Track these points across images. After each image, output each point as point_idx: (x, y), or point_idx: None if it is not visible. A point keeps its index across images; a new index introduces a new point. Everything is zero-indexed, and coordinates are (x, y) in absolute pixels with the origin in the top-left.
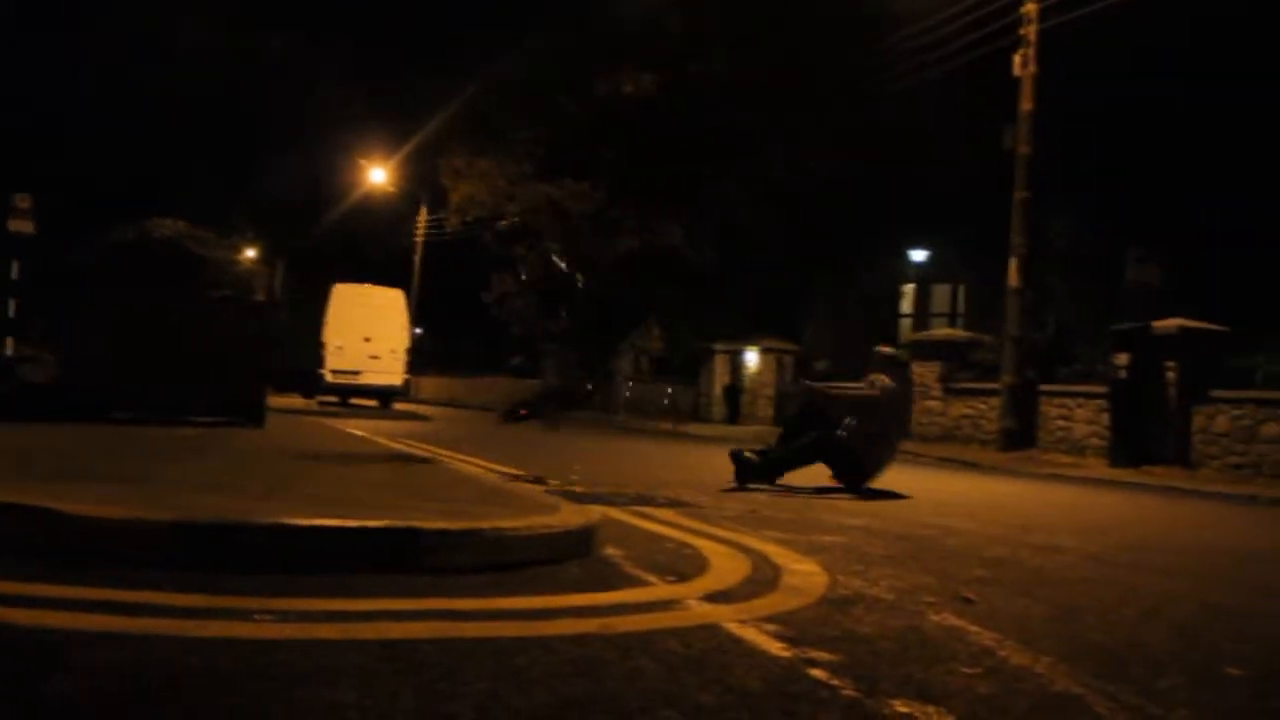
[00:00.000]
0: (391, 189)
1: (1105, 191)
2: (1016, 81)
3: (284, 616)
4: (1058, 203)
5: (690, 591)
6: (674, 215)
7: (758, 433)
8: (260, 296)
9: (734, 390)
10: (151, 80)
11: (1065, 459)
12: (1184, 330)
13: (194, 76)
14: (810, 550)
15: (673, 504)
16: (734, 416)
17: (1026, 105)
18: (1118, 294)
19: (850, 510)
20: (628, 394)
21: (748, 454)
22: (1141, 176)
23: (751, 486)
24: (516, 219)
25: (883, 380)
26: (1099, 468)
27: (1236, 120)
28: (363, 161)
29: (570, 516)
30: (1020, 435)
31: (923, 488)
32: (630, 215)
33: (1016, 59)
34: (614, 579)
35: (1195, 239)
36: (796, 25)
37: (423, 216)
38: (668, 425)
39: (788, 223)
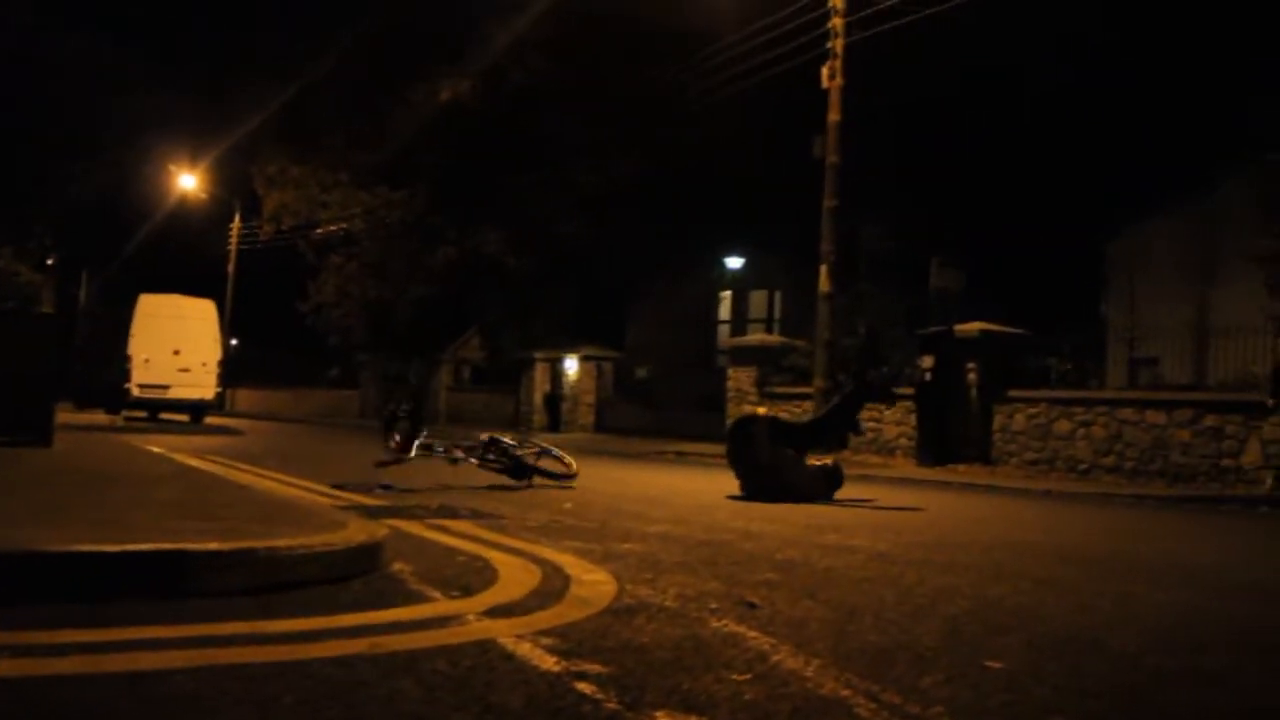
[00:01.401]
0: (204, 196)
1: (913, 200)
2: (826, 93)
3: (24, 651)
4: (869, 211)
5: (472, 606)
6: (493, 223)
7: (579, 440)
8: (47, 308)
9: (554, 399)
10: None
11: (876, 459)
12: (984, 333)
13: None
14: (605, 559)
15: (475, 516)
16: (555, 425)
17: (834, 116)
18: (925, 299)
19: (655, 517)
20: (442, 405)
21: None
22: (947, 186)
23: (567, 503)
24: (332, 227)
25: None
26: (907, 467)
27: (1036, 132)
28: (173, 168)
29: (355, 533)
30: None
31: (733, 491)
32: (449, 223)
33: (824, 71)
34: (395, 596)
35: (995, 246)
36: (613, 37)
37: (236, 225)
38: (484, 436)
39: (605, 231)
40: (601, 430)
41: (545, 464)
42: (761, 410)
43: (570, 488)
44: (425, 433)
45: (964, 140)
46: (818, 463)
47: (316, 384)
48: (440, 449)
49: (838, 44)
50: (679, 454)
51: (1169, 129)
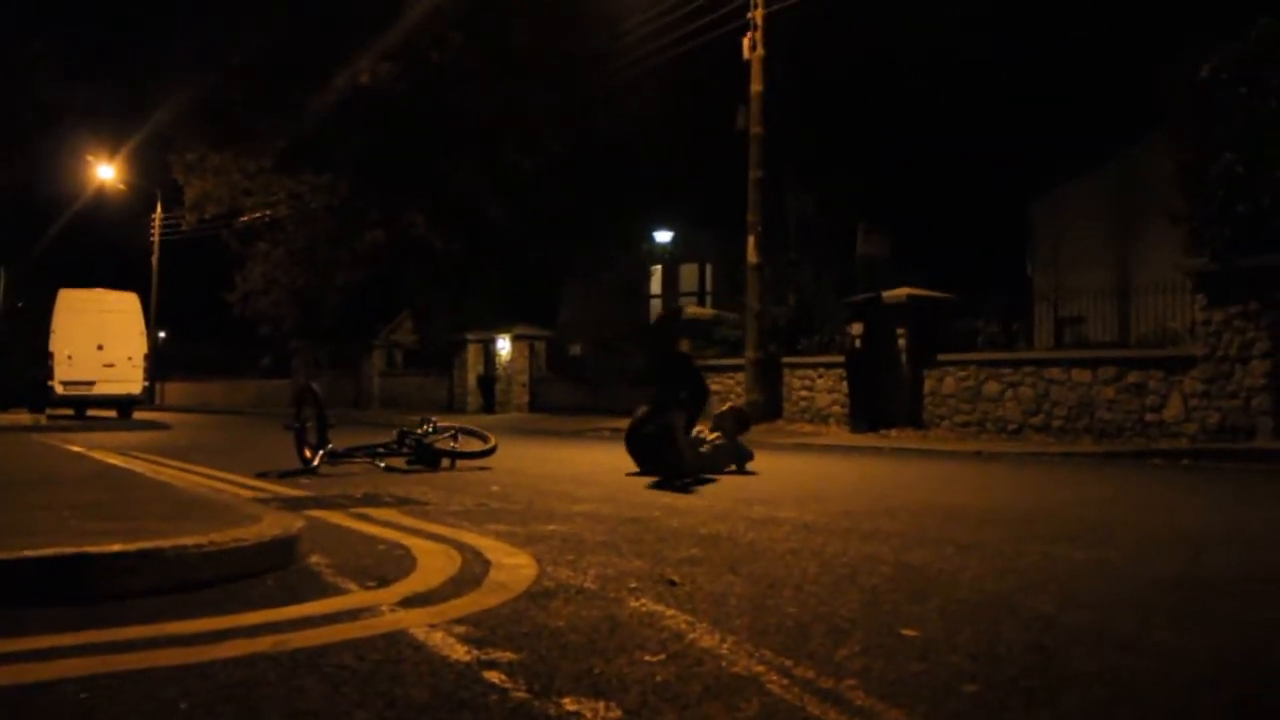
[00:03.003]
0: (123, 187)
1: (839, 169)
2: (748, 64)
3: None
4: (795, 181)
5: (388, 597)
6: (419, 205)
7: (513, 420)
8: None
9: (488, 380)
10: None
11: (809, 428)
12: (912, 298)
13: None
14: (528, 541)
15: (400, 502)
16: (490, 406)
17: (756, 87)
18: (853, 267)
19: (582, 497)
20: (375, 390)
21: None
22: (873, 154)
23: (495, 486)
24: (257, 214)
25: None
26: (841, 435)
27: (959, 98)
28: (91, 158)
29: (269, 527)
30: (767, 407)
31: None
32: (375, 207)
33: (745, 42)
34: (309, 590)
35: (921, 212)
36: (533, 12)
37: (158, 215)
38: (416, 419)
39: (533, 209)
40: (536, 410)
41: (463, 444)
42: None
43: (488, 469)
44: (330, 444)
45: (888, 108)
46: (712, 439)
47: (248, 374)
48: (351, 454)
49: (758, 14)
50: (613, 430)
51: (1086, 93)
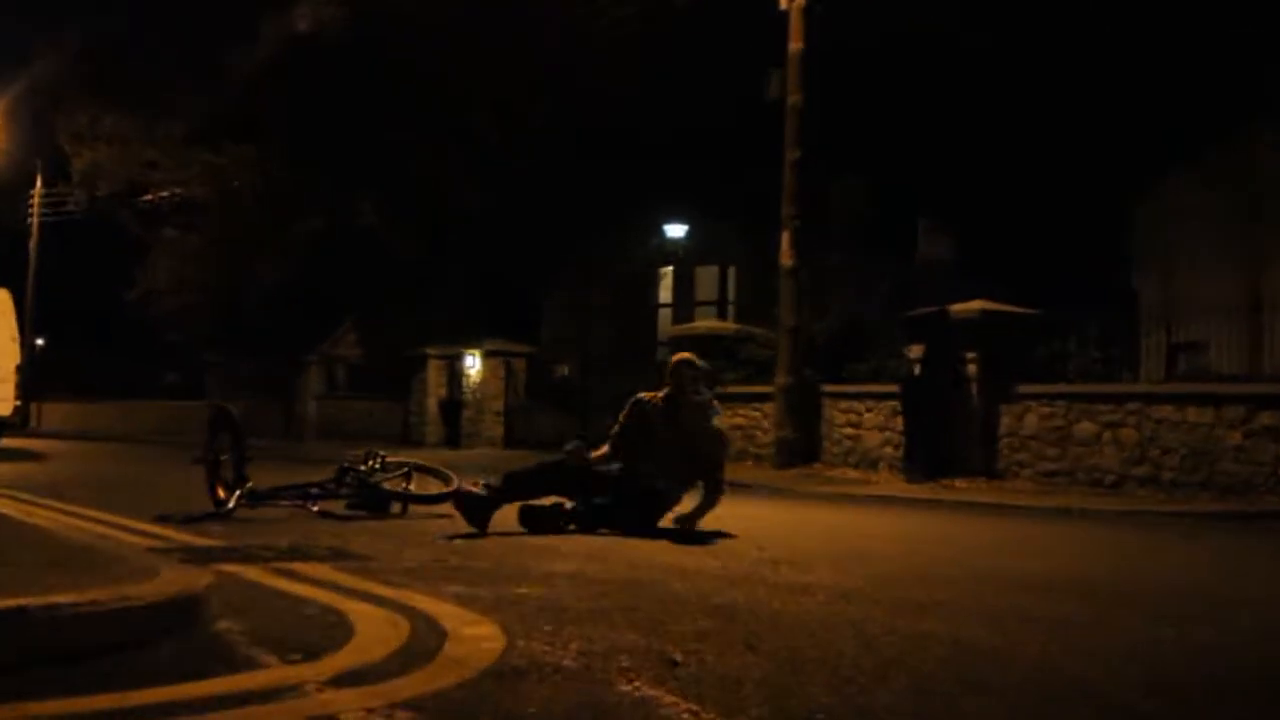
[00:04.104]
0: None
1: (898, 151)
2: (783, 21)
3: None
4: (843, 166)
5: (315, 673)
6: (368, 189)
7: (483, 458)
8: None
9: (453, 405)
10: None
11: (854, 474)
12: (986, 314)
13: None
14: (494, 607)
15: (336, 556)
16: (454, 438)
17: (795, 44)
18: (913, 273)
19: (565, 552)
20: (311, 416)
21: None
22: (939, 134)
23: (456, 538)
24: (164, 193)
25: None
26: (893, 483)
27: (1045, 71)
28: None
29: (167, 583)
30: (801, 447)
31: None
32: (313, 189)
33: None
34: (216, 663)
35: (997, 207)
36: None
37: (38, 192)
38: (360, 453)
39: (512, 196)
40: (513, 444)
41: (419, 485)
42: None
43: (449, 516)
44: (251, 482)
45: (960, 79)
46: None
47: (149, 393)
48: (277, 495)
49: None
50: None
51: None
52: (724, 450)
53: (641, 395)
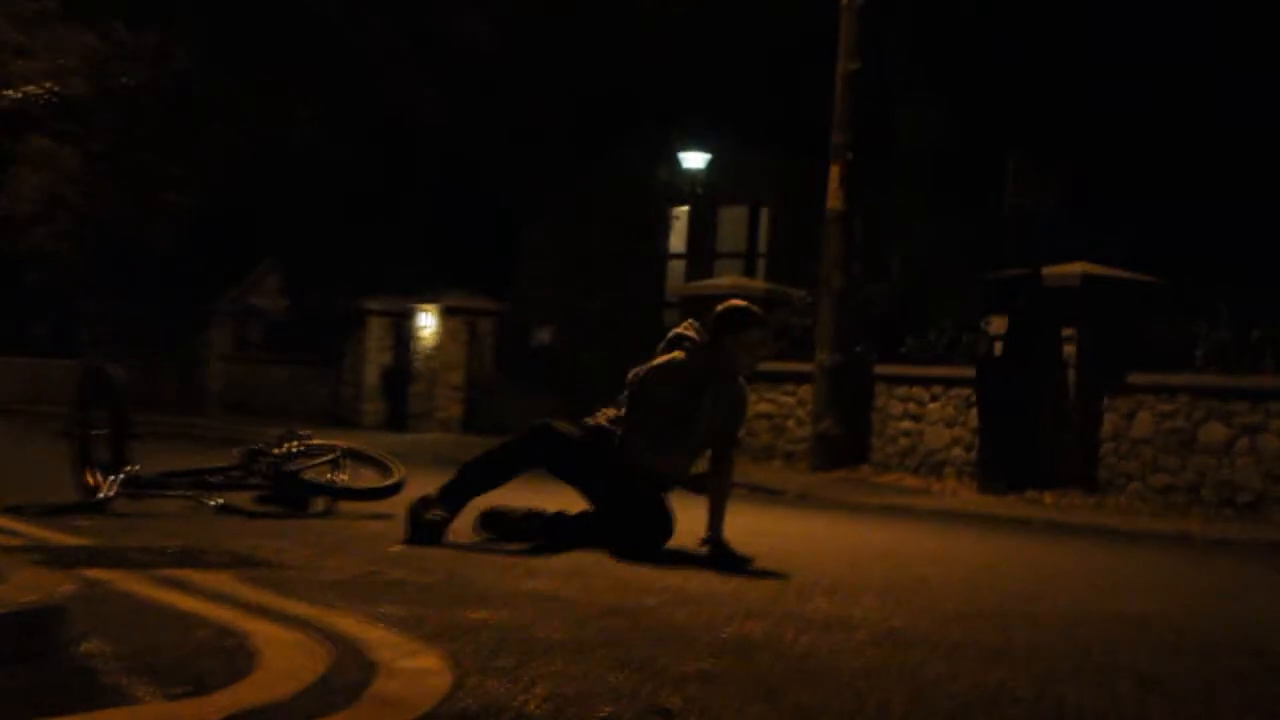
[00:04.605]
0: None
1: (984, 71)
2: None
3: None
4: (914, 86)
5: (202, 712)
6: (302, 91)
7: (439, 443)
8: None
9: (399, 375)
10: None
11: (913, 480)
12: (1089, 280)
13: None
14: (441, 634)
15: (240, 563)
16: (400, 418)
17: None
18: (998, 224)
19: (534, 568)
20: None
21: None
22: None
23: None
24: (32, 88)
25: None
26: (963, 494)
27: None
28: None
29: (16, 590)
30: (847, 444)
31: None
32: (230, 89)
33: None
34: (75, 695)
35: (1106, 142)
36: None
37: None
38: (277, 434)
39: (486, 107)
40: (475, 429)
41: (352, 476)
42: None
43: (389, 516)
44: (134, 465)
45: None
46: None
47: (10, 348)
48: (167, 483)
49: None
50: None
51: None
52: (743, 418)
53: (675, 356)
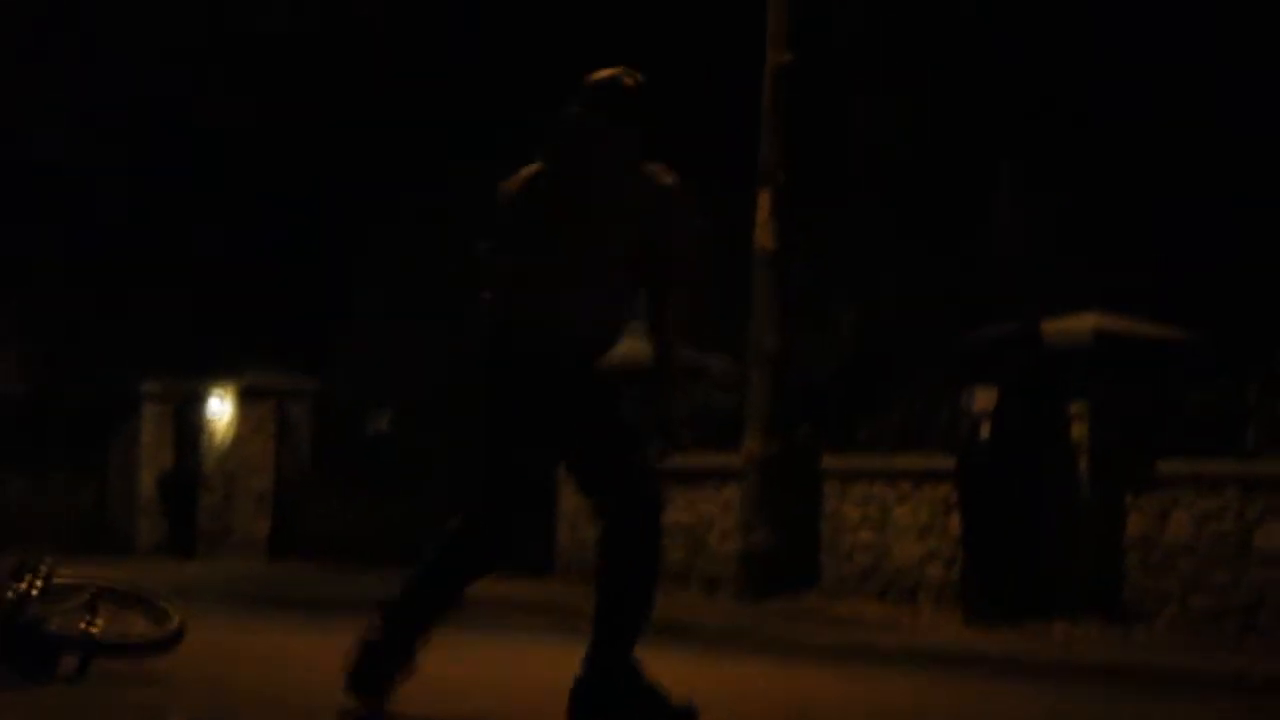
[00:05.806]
0: None
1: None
2: None
3: None
4: (868, 80)
5: None
6: (59, 104)
7: (238, 573)
8: None
9: (183, 481)
10: None
11: (877, 609)
12: (1103, 336)
13: None
14: None
15: None
16: (186, 539)
17: None
18: (982, 264)
19: None
20: None
21: None
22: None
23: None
24: None
25: None
26: (944, 626)
27: None
28: None
29: None
30: (787, 564)
31: (540, 685)
32: None
33: None
34: None
35: (1127, 154)
36: None
37: None
38: (13, 562)
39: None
40: (284, 552)
41: (114, 623)
42: None
43: (164, 680)
44: None
45: None
46: None
47: None
48: None
49: None
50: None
51: None
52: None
53: None
